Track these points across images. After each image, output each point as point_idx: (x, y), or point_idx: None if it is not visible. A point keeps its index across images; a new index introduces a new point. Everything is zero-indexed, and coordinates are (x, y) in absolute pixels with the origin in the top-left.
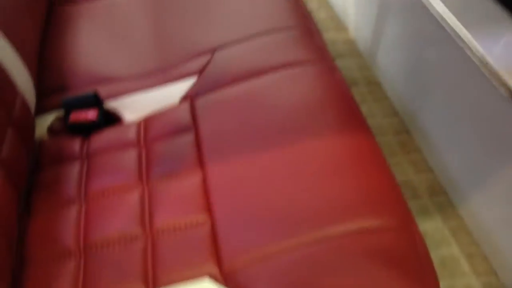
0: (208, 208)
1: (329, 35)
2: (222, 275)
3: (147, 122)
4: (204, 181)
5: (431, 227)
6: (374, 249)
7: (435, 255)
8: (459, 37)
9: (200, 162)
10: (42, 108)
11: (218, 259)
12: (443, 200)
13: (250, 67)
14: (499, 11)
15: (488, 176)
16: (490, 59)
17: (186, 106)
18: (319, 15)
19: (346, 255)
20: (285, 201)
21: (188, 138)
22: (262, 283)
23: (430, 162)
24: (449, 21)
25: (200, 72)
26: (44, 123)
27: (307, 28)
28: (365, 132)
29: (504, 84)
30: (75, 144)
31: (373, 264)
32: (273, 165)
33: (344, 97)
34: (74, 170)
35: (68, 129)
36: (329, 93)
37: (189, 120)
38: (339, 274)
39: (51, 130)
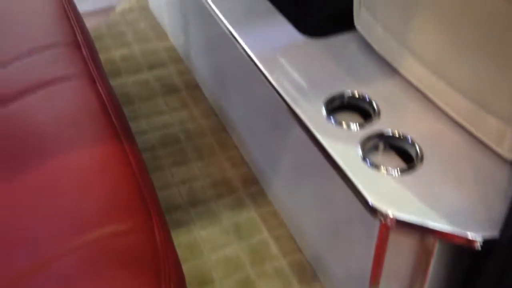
0: None
1: (151, 45)
2: None
3: None
4: None
5: (245, 218)
6: (111, 254)
7: (248, 245)
8: (231, 34)
9: None
10: None
11: None
12: (255, 190)
13: (4, 95)
14: (266, 5)
15: (285, 164)
16: (252, 54)
17: None
18: (139, 25)
19: (86, 264)
20: (27, 223)
21: None
22: None
23: (244, 156)
24: (218, 19)
25: None
26: None
27: (72, 42)
28: (119, 143)
29: (264, 76)
30: None
31: (110, 268)
32: (14, 190)
33: (102, 110)
34: None
35: None
36: (86, 108)
37: None
38: (81, 284)
39: None
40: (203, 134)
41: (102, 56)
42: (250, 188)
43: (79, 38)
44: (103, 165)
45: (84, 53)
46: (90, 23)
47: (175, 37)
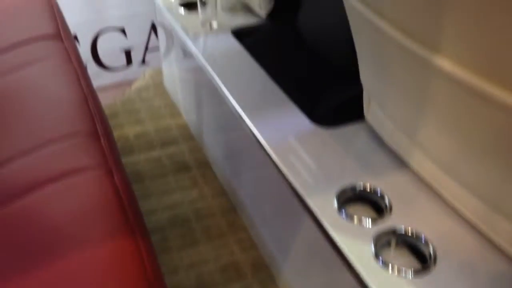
0: None
1: (165, 122)
2: None
3: None
4: None
5: None
6: None
7: None
8: (241, 119)
9: None
10: None
11: None
12: (265, 275)
13: (20, 188)
14: (278, 93)
15: (295, 250)
16: (263, 141)
17: None
18: (155, 103)
19: None
20: None
21: None
22: None
23: (254, 239)
24: (230, 103)
25: None
26: None
27: (91, 132)
28: (134, 240)
29: (275, 164)
30: None
31: None
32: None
33: (117, 206)
34: None
35: None
36: (101, 202)
37: None
38: None
39: None
40: (212, 214)
41: (116, 133)
42: (259, 273)
43: (98, 127)
44: (115, 265)
45: (103, 143)
46: (105, 100)
47: (187, 114)
